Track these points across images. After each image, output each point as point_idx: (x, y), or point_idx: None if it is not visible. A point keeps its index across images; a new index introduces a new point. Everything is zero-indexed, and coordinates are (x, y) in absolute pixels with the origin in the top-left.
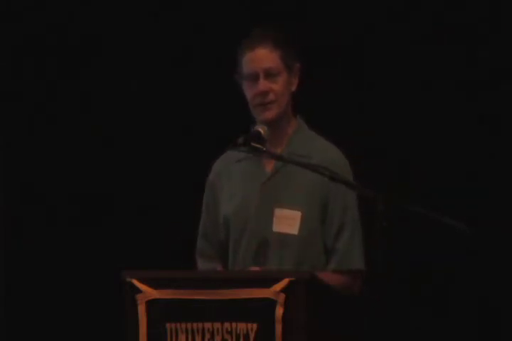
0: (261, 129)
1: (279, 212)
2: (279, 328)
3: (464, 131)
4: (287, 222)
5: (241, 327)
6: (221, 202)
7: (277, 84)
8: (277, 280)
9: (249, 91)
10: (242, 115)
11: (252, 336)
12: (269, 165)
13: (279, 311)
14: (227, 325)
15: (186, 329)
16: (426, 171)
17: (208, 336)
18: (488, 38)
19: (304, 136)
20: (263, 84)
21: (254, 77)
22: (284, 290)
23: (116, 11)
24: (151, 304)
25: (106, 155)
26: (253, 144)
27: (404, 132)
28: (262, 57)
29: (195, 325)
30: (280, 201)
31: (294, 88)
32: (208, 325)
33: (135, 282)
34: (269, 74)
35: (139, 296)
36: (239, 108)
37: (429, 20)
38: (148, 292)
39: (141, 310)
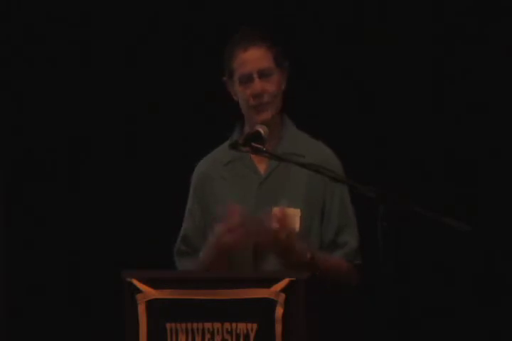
0: (261, 129)
1: (278, 211)
2: (279, 328)
3: (464, 131)
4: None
5: (241, 327)
6: (211, 205)
7: (271, 85)
8: (277, 280)
9: (243, 93)
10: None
11: (252, 336)
12: (262, 166)
13: (279, 311)
14: (227, 325)
15: (186, 329)
16: (426, 171)
17: (208, 336)
18: (488, 38)
19: (293, 135)
20: (259, 85)
21: (248, 78)
22: (284, 290)
23: (116, 11)
24: (151, 304)
25: (105, 154)
26: (253, 144)
27: (405, 132)
28: (255, 57)
29: (195, 325)
30: (278, 200)
31: (283, 87)
32: (208, 325)
33: (135, 282)
34: (263, 75)
35: (139, 296)
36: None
37: (430, 20)
38: (148, 292)
39: (141, 310)
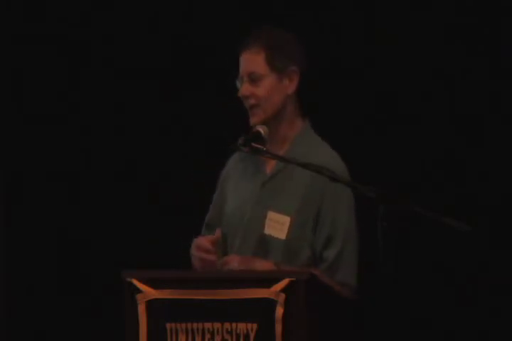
0: (261, 129)
1: (271, 215)
2: (279, 328)
3: (464, 131)
4: (277, 225)
5: (241, 327)
6: (226, 199)
7: (260, 89)
8: (277, 280)
9: None
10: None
11: (252, 336)
12: (270, 166)
13: (279, 311)
14: (227, 325)
15: (186, 329)
16: (426, 171)
17: (208, 336)
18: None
19: (306, 141)
20: (244, 88)
21: (241, 81)
22: (284, 290)
23: (114, 13)
24: (151, 304)
25: (105, 154)
26: (253, 145)
27: (405, 131)
28: (246, 60)
29: (195, 325)
30: (274, 204)
31: (289, 91)
32: (208, 325)
33: (135, 282)
34: (252, 79)
35: (139, 296)
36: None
37: (430, 20)
38: (148, 292)
39: (141, 310)
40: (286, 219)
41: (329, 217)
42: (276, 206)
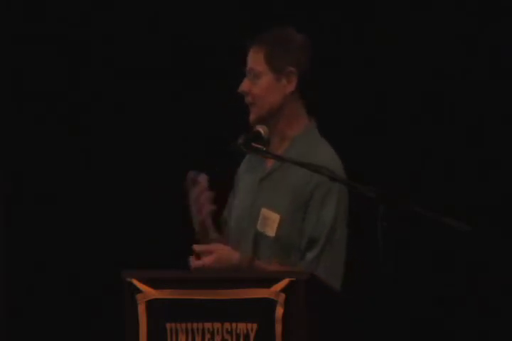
0: (261, 129)
1: (264, 212)
2: (279, 328)
3: (465, 131)
4: (268, 222)
5: (241, 327)
6: (235, 194)
7: (257, 87)
8: (277, 280)
9: None
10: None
11: (252, 336)
12: (270, 163)
13: (279, 311)
14: (227, 325)
15: (186, 329)
16: (426, 171)
17: (208, 336)
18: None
19: (307, 141)
20: (243, 84)
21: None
22: (284, 290)
23: (114, 13)
24: (151, 304)
25: (105, 154)
26: (253, 144)
27: (405, 131)
28: (250, 57)
29: (195, 325)
30: (268, 201)
31: (288, 91)
32: (208, 325)
33: (135, 282)
34: (252, 76)
35: (139, 296)
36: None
37: (431, 21)
38: (148, 292)
39: (141, 310)
40: (276, 217)
41: (314, 217)
42: (269, 203)
